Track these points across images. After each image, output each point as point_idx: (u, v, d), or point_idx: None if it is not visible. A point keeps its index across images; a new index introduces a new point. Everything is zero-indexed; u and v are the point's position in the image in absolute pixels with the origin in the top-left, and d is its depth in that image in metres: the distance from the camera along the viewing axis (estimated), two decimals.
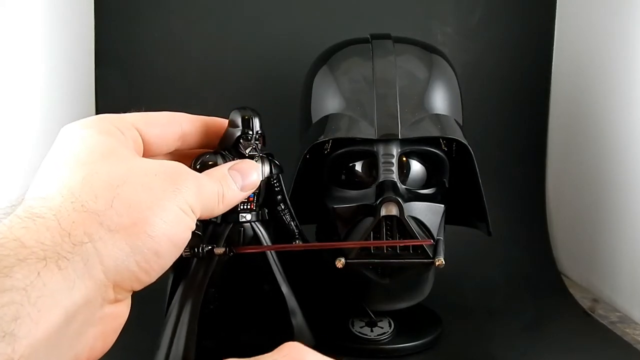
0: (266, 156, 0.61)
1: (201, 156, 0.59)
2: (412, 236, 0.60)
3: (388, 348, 0.65)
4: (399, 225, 0.60)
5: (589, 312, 0.78)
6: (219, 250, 0.56)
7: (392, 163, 0.62)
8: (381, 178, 0.62)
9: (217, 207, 0.45)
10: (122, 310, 0.41)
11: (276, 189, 0.62)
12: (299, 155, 0.65)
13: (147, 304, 0.73)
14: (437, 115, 0.64)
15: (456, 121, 0.66)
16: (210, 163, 0.59)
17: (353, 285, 0.65)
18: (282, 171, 0.62)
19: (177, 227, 0.39)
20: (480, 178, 0.65)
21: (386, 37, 0.68)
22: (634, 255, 0.77)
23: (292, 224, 0.62)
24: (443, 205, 0.64)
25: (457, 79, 0.69)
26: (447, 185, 0.67)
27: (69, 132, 0.41)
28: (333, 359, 0.39)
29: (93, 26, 0.93)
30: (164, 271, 0.41)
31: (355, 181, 0.65)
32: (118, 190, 0.36)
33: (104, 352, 0.40)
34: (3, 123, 0.67)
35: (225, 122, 0.54)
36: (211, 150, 0.60)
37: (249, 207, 0.60)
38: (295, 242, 0.61)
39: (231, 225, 0.59)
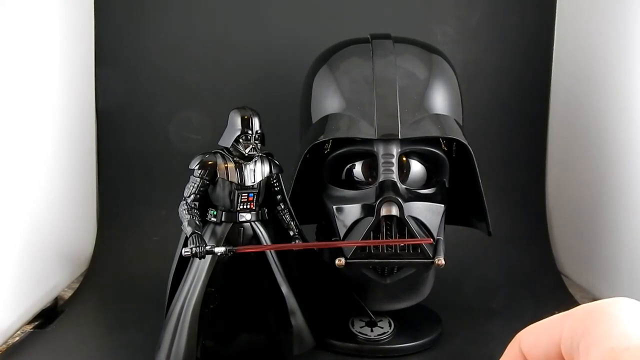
0: (266, 156, 0.62)
1: (200, 156, 0.59)
2: (412, 236, 0.60)
3: (388, 348, 0.65)
4: (399, 225, 0.60)
5: None
6: (219, 250, 0.56)
7: (392, 163, 0.62)
8: (381, 178, 0.61)
9: None
10: None
11: (276, 189, 0.62)
12: (299, 155, 0.65)
13: (147, 303, 0.74)
14: (437, 115, 0.64)
15: (456, 121, 0.66)
16: (209, 163, 0.59)
17: (353, 285, 0.65)
18: (282, 171, 0.62)
19: None
20: (480, 178, 0.65)
21: (386, 37, 0.68)
22: (633, 256, 0.77)
23: (292, 223, 0.62)
24: (443, 205, 0.64)
25: (457, 79, 0.69)
26: (447, 185, 0.67)
27: None
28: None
29: (93, 26, 0.93)
30: None
31: (355, 181, 0.65)
32: None
33: None
34: (1, 123, 0.67)
35: None
36: (211, 151, 0.60)
37: (248, 207, 0.60)
38: (295, 242, 0.61)
39: (231, 225, 0.59)
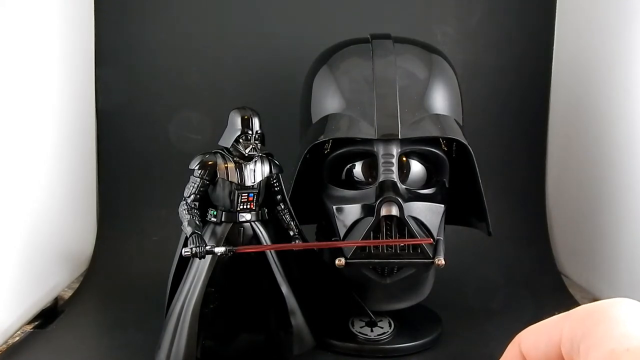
0: (266, 156, 0.62)
1: (200, 156, 0.59)
2: (412, 236, 0.60)
3: (388, 348, 0.65)
4: (399, 225, 0.60)
5: None
6: (219, 250, 0.56)
7: (392, 163, 0.62)
8: (381, 178, 0.61)
9: None
10: None
11: (276, 189, 0.62)
12: (299, 155, 0.65)
13: (147, 303, 0.74)
14: (437, 115, 0.64)
15: (456, 121, 0.66)
16: (209, 163, 0.59)
17: (353, 285, 0.65)
18: (282, 171, 0.62)
19: None
20: (480, 178, 0.65)
21: (386, 37, 0.68)
22: (633, 256, 0.77)
23: (292, 223, 0.62)
24: (443, 205, 0.64)
25: (457, 79, 0.69)
26: (447, 185, 0.67)
27: None
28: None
29: (93, 26, 0.93)
30: None
31: (355, 181, 0.65)
32: None
33: None
34: (2, 123, 0.67)
35: None
36: (211, 151, 0.60)
37: (248, 207, 0.60)
38: (295, 242, 0.61)
39: (231, 225, 0.59)
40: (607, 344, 0.20)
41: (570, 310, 0.23)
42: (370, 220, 0.60)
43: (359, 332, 0.66)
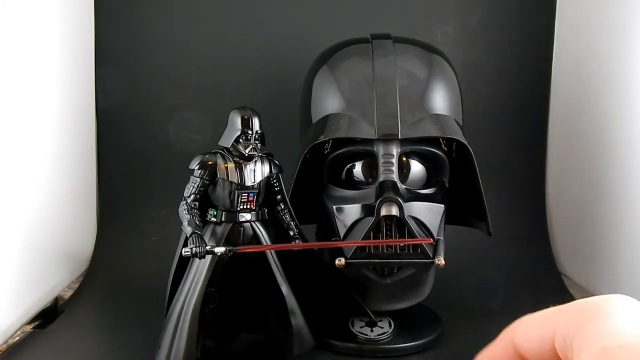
0: (266, 156, 0.62)
1: (200, 156, 0.59)
2: (412, 236, 0.60)
3: (388, 348, 0.65)
4: (399, 225, 0.60)
5: None
6: (219, 250, 0.56)
7: (392, 163, 0.62)
8: (381, 178, 0.61)
9: None
10: None
11: (276, 189, 0.62)
12: (299, 155, 0.65)
13: (147, 303, 0.74)
14: (437, 115, 0.64)
15: (456, 121, 0.66)
16: (209, 163, 0.59)
17: (353, 285, 0.65)
18: (282, 171, 0.62)
19: None
20: (480, 178, 0.65)
21: (386, 37, 0.68)
22: (633, 256, 0.77)
23: (292, 223, 0.62)
24: (443, 205, 0.64)
25: (457, 79, 0.69)
26: (447, 185, 0.67)
27: None
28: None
29: (93, 26, 0.93)
30: None
31: (355, 181, 0.65)
32: None
33: None
34: (2, 123, 0.67)
35: None
36: (211, 151, 0.60)
37: (248, 207, 0.60)
38: (295, 242, 0.61)
39: (231, 225, 0.59)
40: (600, 340, 0.20)
41: (564, 305, 0.23)
42: (370, 220, 0.60)
43: (359, 332, 0.66)
